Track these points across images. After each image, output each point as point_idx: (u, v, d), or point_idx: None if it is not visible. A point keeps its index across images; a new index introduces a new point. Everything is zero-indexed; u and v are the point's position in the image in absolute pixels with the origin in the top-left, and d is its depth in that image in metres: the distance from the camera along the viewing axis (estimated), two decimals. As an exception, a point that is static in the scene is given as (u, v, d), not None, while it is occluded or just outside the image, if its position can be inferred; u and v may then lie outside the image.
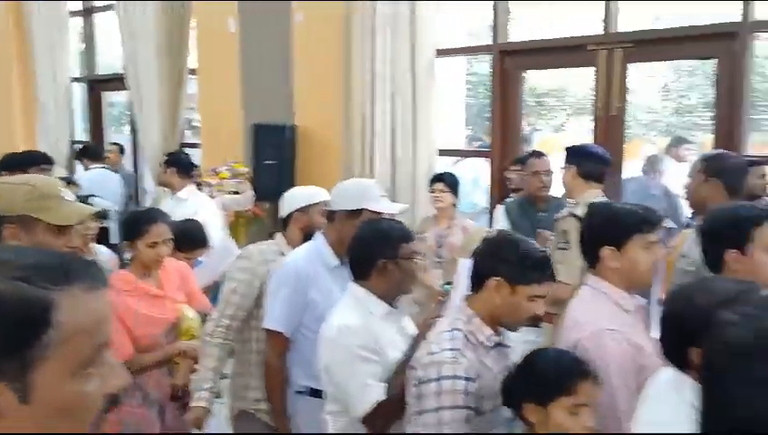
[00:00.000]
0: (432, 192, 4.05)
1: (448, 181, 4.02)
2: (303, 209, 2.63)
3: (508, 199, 4.03)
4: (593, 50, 4.24)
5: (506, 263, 1.81)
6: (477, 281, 1.86)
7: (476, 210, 5.54)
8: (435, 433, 1.72)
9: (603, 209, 2.08)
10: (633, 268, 1.93)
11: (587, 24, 4.41)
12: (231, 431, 2.76)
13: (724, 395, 0.70)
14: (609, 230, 1.98)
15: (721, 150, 3.13)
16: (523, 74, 4.70)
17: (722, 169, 2.68)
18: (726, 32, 3.81)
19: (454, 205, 4.04)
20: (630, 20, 4.28)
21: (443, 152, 4.87)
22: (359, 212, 2.37)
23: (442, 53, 4.73)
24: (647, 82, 9.15)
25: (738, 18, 3.76)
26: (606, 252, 1.96)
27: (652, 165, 5.13)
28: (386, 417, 1.95)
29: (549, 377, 1.67)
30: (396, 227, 2.12)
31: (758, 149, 6.51)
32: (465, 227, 4.01)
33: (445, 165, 6.08)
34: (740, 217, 2.03)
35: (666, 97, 9.10)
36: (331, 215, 2.48)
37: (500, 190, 4.58)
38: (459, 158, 6.63)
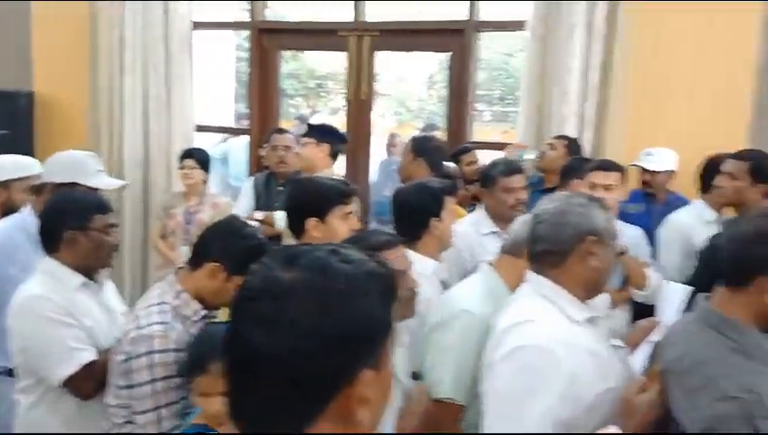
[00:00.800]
0: (182, 169, 3.98)
1: (198, 157, 3.97)
2: (2, 184, 2.44)
3: (258, 174, 4.10)
4: (344, 36, 4.46)
5: (229, 253, 1.83)
6: (197, 260, 1.88)
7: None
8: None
9: (306, 184, 2.22)
10: (334, 237, 2.09)
11: (341, 10, 4.61)
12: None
13: (237, 333, 0.81)
14: (312, 203, 2.14)
15: (428, 134, 3.52)
16: (282, 53, 4.79)
17: (427, 149, 3.03)
18: (456, 28, 4.25)
19: (204, 181, 4.01)
20: (378, 10, 4.56)
21: (201, 128, 4.79)
22: (70, 186, 2.27)
23: (199, 25, 4.64)
24: (415, 72, 9.85)
25: (465, 17, 4.20)
26: (311, 223, 2.11)
27: (392, 142, 5.57)
28: (95, 379, 1.91)
29: (191, 355, 1.72)
30: (88, 197, 2.07)
31: (484, 136, 7.35)
32: (217, 203, 4.00)
33: (211, 141, 6.01)
34: (433, 190, 2.32)
35: (431, 86, 9.89)
36: (41, 187, 2.34)
37: (257, 167, 4.64)
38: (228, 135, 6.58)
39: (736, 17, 3.46)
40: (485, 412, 1.53)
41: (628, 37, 3.59)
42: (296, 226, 2.17)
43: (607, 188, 2.72)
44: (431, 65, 9.54)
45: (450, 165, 3.66)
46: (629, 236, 2.92)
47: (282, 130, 3.87)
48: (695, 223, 2.91)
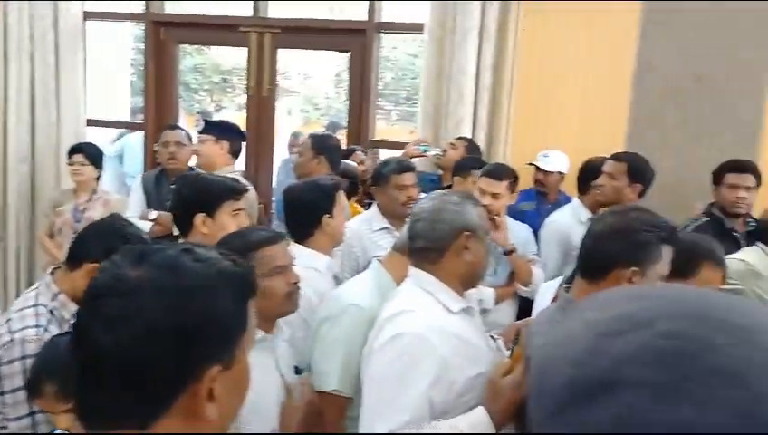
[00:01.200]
0: (71, 164, 3.80)
1: (88, 153, 3.80)
2: None
3: (148, 172, 3.99)
4: (246, 31, 4.41)
5: (105, 250, 1.77)
6: (76, 260, 1.82)
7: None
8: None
9: (195, 180, 2.20)
10: (222, 233, 2.08)
11: (241, 6, 4.55)
12: None
13: (83, 331, 0.82)
14: (201, 198, 2.11)
15: (327, 132, 3.56)
16: (179, 47, 4.67)
17: (327, 147, 3.06)
18: (357, 28, 4.30)
19: (95, 178, 3.85)
20: (280, 8, 4.54)
21: (93, 122, 4.60)
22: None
23: (91, 16, 4.46)
24: (322, 69, 9.84)
25: (365, 17, 4.26)
26: (199, 219, 2.08)
27: (294, 142, 5.56)
28: None
29: (29, 376, 1.63)
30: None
31: (390, 135, 7.48)
32: (108, 200, 3.85)
33: (106, 136, 5.76)
34: (324, 187, 2.35)
35: (338, 84, 9.90)
36: None
37: (153, 163, 4.50)
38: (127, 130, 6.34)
39: (618, 24, 3.71)
40: (363, 398, 1.58)
41: (517, 42, 3.77)
42: (183, 222, 2.14)
43: (494, 196, 2.80)
44: (338, 63, 9.56)
45: (351, 163, 3.72)
46: (519, 233, 3.05)
47: (173, 126, 3.77)
48: (572, 223, 3.06)
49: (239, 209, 2.14)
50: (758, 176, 2.94)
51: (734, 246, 2.78)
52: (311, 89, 10.42)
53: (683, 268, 1.60)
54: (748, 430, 0.38)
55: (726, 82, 3.58)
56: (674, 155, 3.53)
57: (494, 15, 3.75)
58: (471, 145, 3.65)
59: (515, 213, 3.27)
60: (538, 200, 3.66)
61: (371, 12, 4.23)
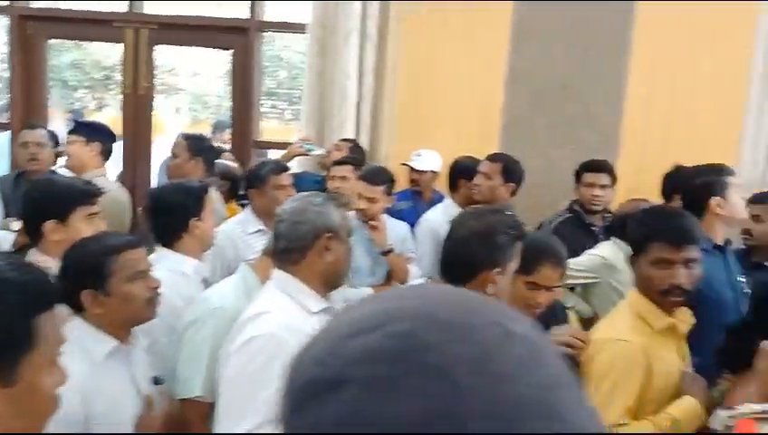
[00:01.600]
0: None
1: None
2: None
3: (5, 175, 3.74)
4: (120, 27, 4.23)
5: None
6: None
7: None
8: None
9: (44, 184, 2.09)
10: (77, 239, 1.98)
11: (116, 1, 4.37)
12: None
13: None
14: (51, 204, 2.00)
15: (200, 133, 3.50)
16: (48, 42, 4.42)
17: (203, 148, 3.01)
18: (239, 27, 4.24)
19: (-48, 181, 3.57)
20: (158, 4, 4.40)
21: (-49, 121, 4.27)
22: None
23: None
24: (212, 67, 9.56)
25: (248, 16, 4.21)
26: (49, 226, 1.97)
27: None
28: None
29: None
30: None
31: (284, 134, 7.42)
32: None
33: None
34: (192, 190, 2.29)
35: (228, 83, 9.66)
36: None
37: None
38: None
39: (491, 35, 3.88)
40: (218, 401, 1.57)
41: (397, 46, 3.86)
42: (33, 230, 2.02)
43: (370, 200, 2.83)
44: (228, 61, 9.35)
45: (230, 164, 3.66)
46: (397, 232, 3.11)
47: (33, 126, 3.55)
48: (444, 221, 3.13)
49: (94, 213, 2.05)
50: (613, 175, 3.17)
51: (592, 241, 2.98)
52: (199, 87, 10.11)
53: (524, 266, 1.70)
54: (452, 420, 0.42)
55: (588, 89, 3.84)
56: (541, 156, 3.74)
57: (374, 18, 3.81)
58: (355, 146, 3.70)
59: (393, 213, 3.34)
60: (414, 199, 3.75)
61: (254, 10, 4.19)
